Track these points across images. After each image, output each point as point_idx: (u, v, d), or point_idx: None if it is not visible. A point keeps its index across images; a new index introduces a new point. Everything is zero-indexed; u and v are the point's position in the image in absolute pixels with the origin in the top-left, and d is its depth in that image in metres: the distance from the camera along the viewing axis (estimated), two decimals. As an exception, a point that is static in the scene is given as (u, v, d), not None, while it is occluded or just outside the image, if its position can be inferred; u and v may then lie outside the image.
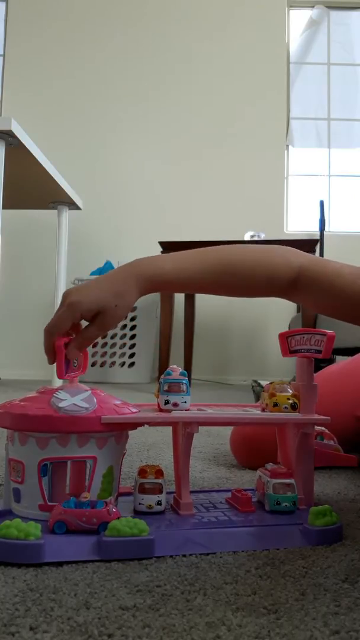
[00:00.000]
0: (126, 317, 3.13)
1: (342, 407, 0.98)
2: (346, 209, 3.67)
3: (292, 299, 0.82)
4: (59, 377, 0.68)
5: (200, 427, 0.66)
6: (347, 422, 0.98)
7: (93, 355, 3.19)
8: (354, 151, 3.70)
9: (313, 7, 3.72)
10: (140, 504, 0.65)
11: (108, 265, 3.31)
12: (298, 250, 0.79)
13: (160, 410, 0.68)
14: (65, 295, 0.68)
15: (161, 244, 2.72)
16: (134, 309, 3.14)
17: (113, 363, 3.17)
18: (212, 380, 3.34)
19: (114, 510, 0.59)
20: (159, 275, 0.71)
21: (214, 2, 3.64)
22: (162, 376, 0.69)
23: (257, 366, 3.42)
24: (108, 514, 0.58)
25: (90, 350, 2.29)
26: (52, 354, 0.68)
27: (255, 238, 2.92)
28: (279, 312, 3.29)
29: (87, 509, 0.59)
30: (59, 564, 0.55)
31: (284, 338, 0.75)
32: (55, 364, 0.67)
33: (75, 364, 0.69)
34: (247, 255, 0.77)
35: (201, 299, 3.31)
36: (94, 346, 3.11)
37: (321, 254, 3.27)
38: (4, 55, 3.70)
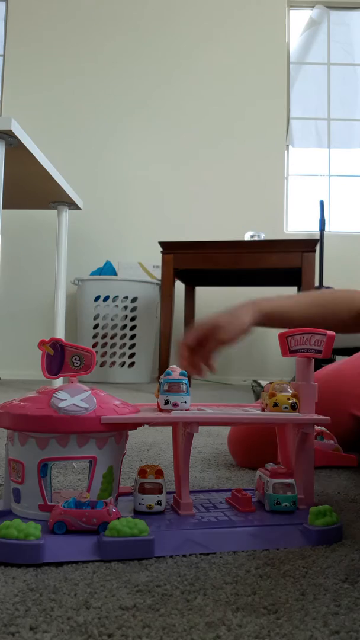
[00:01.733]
0: (125, 318, 3.13)
1: (340, 407, 0.98)
2: (346, 209, 3.67)
3: None
4: (45, 376, 0.69)
5: (200, 427, 0.66)
6: (347, 422, 0.98)
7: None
8: (354, 151, 3.70)
9: (313, 7, 3.72)
10: (140, 504, 0.65)
11: (108, 265, 3.31)
12: None
13: (160, 410, 0.68)
14: None
15: (161, 243, 2.72)
16: (134, 309, 3.14)
17: (113, 363, 3.17)
18: (212, 380, 3.34)
19: (114, 510, 0.59)
20: (266, 303, 0.90)
21: (214, 3, 3.64)
22: (162, 376, 0.69)
23: (257, 366, 3.42)
24: (108, 514, 0.58)
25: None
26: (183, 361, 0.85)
27: (255, 238, 2.91)
28: (279, 312, 3.29)
29: (87, 509, 0.59)
30: (59, 564, 0.55)
31: (284, 338, 0.75)
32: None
33: (78, 365, 0.69)
34: (333, 294, 0.98)
35: (201, 299, 3.31)
36: (94, 346, 3.11)
37: (321, 254, 3.27)
38: (4, 55, 3.70)
